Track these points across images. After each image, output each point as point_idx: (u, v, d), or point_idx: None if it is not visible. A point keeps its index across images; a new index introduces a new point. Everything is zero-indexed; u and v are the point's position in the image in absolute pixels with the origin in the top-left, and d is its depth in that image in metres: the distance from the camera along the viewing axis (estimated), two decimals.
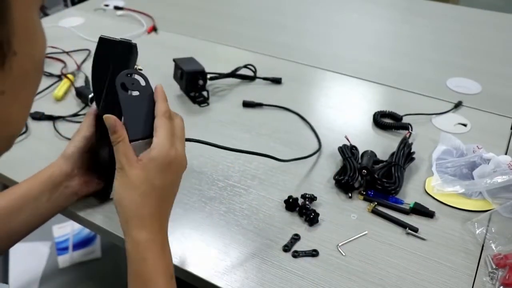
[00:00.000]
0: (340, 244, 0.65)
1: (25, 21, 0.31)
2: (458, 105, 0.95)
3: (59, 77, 1.03)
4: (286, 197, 0.71)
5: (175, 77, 0.98)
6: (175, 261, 0.63)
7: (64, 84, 1.00)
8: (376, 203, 0.71)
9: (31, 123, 0.89)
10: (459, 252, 0.64)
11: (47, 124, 0.89)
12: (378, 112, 0.91)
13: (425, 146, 0.83)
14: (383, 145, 0.84)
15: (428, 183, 0.75)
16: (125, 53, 0.59)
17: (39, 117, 0.90)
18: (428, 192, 0.74)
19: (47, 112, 0.91)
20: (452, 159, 0.78)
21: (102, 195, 0.70)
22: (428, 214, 0.69)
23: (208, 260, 0.63)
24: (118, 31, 1.26)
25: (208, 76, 0.97)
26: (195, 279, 0.62)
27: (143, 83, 0.58)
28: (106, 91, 0.59)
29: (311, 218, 0.67)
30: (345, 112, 0.95)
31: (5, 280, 1.38)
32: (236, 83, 1.04)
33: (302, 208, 0.69)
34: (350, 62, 1.14)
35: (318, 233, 0.67)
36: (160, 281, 0.51)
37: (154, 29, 1.27)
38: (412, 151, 0.79)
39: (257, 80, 1.04)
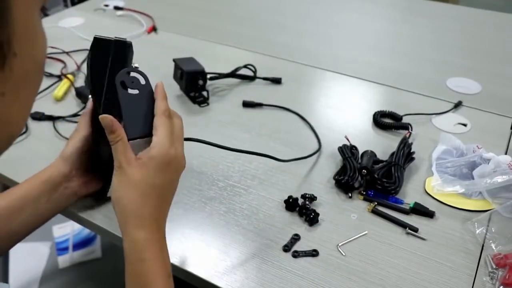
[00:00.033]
0: (340, 244, 0.65)
1: (25, 22, 0.31)
2: (458, 105, 0.95)
3: (59, 77, 1.03)
4: (286, 197, 0.71)
5: (175, 77, 0.98)
6: (175, 261, 0.63)
7: (64, 84, 1.00)
8: (376, 203, 0.71)
9: (31, 123, 0.89)
10: (459, 252, 0.64)
11: (47, 124, 0.89)
12: (378, 112, 0.91)
13: (425, 146, 0.83)
14: (383, 145, 0.84)
15: (428, 183, 0.75)
16: (122, 52, 0.59)
17: (39, 117, 0.90)
18: (428, 192, 0.74)
19: (47, 112, 0.91)
20: (452, 159, 0.78)
21: (101, 195, 0.70)
22: (428, 214, 0.69)
23: (208, 260, 0.63)
24: (118, 31, 1.26)
25: (208, 76, 0.97)
26: (195, 279, 0.62)
27: (143, 81, 0.58)
28: (106, 90, 0.59)
29: (311, 218, 0.67)
30: (345, 112, 0.95)
31: (5, 280, 1.37)
32: (236, 83, 1.04)
33: (302, 208, 0.69)
34: (350, 62, 1.14)
35: (318, 233, 0.67)
36: (159, 281, 0.51)
37: (154, 29, 1.27)
38: (412, 151, 0.79)
39: (257, 80, 1.04)
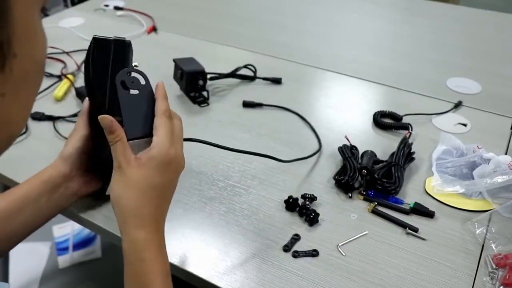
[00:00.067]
0: (340, 244, 0.65)
1: (25, 23, 0.31)
2: (458, 105, 0.95)
3: (59, 78, 1.03)
4: (286, 197, 0.71)
5: (175, 77, 0.98)
6: (175, 261, 0.63)
7: (64, 84, 1.00)
8: (376, 203, 0.71)
9: (31, 123, 0.89)
10: (459, 252, 0.64)
11: (47, 124, 0.89)
12: (378, 112, 0.91)
13: (425, 146, 0.83)
14: (383, 145, 0.84)
15: (428, 183, 0.75)
16: (122, 51, 0.59)
17: (39, 117, 0.90)
18: (428, 192, 0.74)
19: (47, 113, 0.91)
20: (452, 159, 0.78)
21: (100, 194, 0.70)
22: (428, 214, 0.69)
23: (208, 260, 0.63)
24: (118, 31, 1.26)
25: (208, 76, 0.97)
26: (195, 279, 0.62)
27: (143, 81, 0.58)
28: (109, 90, 0.58)
29: (311, 218, 0.67)
30: (345, 112, 0.95)
31: (5, 280, 1.37)
32: (236, 83, 1.04)
33: (302, 208, 0.69)
34: (350, 62, 1.14)
35: (318, 233, 0.67)
36: (159, 281, 0.51)
37: (154, 29, 1.27)
38: (412, 151, 0.79)
39: (257, 80, 1.04)
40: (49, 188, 0.63)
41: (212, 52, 1.17)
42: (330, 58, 1.15)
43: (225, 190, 0.74)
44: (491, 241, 0.64)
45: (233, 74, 1.03)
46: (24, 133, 0.86)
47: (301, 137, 0.87)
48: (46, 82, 1.01)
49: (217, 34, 1.25)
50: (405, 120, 0.90)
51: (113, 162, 0.54)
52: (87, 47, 0.60)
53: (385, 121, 0.89)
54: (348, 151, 0.78)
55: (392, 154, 0.78)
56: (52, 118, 0.90)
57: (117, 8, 1.39)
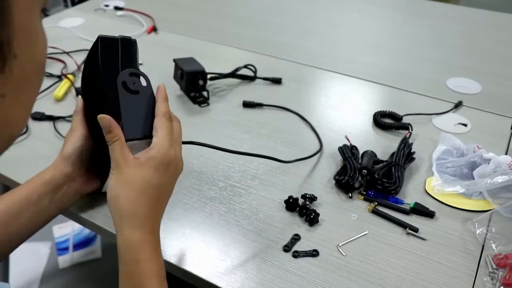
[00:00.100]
0: (340, 244, 0.65)
1: (26, 24, 0.31)
2: (458, 105, 0.95)
3: (59, 78, 1.03)
4: (286, 197, 0.71)
5: (175, 77, 0.98)
6: (175, 261, 0.63)
7: (64, 84, 1.00)
8: (376, 203, 0.71)
9: (32, 123, 0.89)
10: (459, 252, 0.64)
11: (48, 124, 0.89)
12: (378, 112, 0.91)
13: (425, 146, 0.83)
14: (383, 145, 0.84)
15: (428, 183, 0.75)
16: (129, 49, 0.59)
17: (40, 117, 0.90)
18: (428, 192, 0.74)
19: (47, 112, 0.91)
20: (452, 159, 0.78)
21: (101, 192, 0.70)
22: (428, 214, 0.69)
23: (208, 260, 0.63)
24: (118, 31, 1.25)
25: (208, 76, 0.97)
26: (195, 279, 0.62)
27: (144, 83, 0.58)
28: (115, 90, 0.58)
29: (311, 218, 0.67)
30: (345, 112, 0.95)
31: (5, 280, 1.37)
32: (236, 83, 1.04)
33: (303, 208, 0.69)
34: (350, 62, 1.14)
35: (318, 233, 0.67)
36: (154, 282, 0.51)
37: (154, 29, 1.28)
38: (412, 151, 0.79)
39: (257, 80, 1.04)
40: (51, 189, 0.62)
41: (212, 52, 1.17)
42: (330, 58, 1.15)
43: (225, 190, 0.74)
44: (491, 241, 0.64)
45: (233, 74, 1.03)
46: (24, 133, 0.86)
47: (301, 137, 0.87)
48: (46, 82, 1.01)
49: (217, 34, 1.25)
50: (405, 120, 0.90)
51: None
52: (87, 47, 0.60)
53: (385, 121, 0.89)
54: (348, 151, 0.78)
55: (392, 154, 0.78)
56: (52, 118, 0.90)
57: (117, 8, 1.39)
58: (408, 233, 0.67)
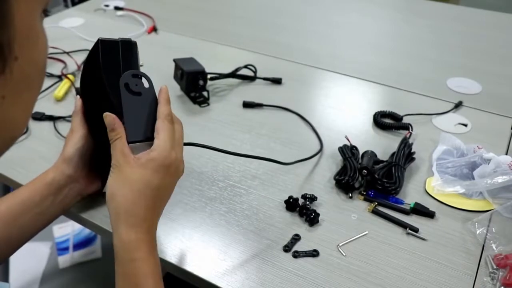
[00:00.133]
0: (340, 244, 0.65)
1: (27, 26, 0.31)
2: (458, 105, 0.95)
3: (60, 78, 1.03)
4: (286, 197, 0.71)
5: (175, 77, 0.98)
6: (175, 261, 0.63)
7: (64, 84, 1.00)
8: (376, 203, 0.71)
9: (32, 123, 0.89)
10: (459, 252, 0.64)
11: (48, 125, 0.89)
12: (378, 112, 0.91)
13: (426, 146, 0.83)
14: (383, 145, 0.84)
15: (428, 183, 0.75)
16: (130, 51, 0.59)
17: (40, 117, 0.90)
18: (429, 192, 0.74)
19: (47, 112, 0.91)
20: (452, 159, 0.78)
21: (101, 192, 0.70)
22: (428, 214, 0.69)
23: (208, 260, 0.63)
24: (118, 31, 1.26)
25: (208, 76, 0.97)
26: (195, 279, 0.62)
27: (146, 84, 0.58)
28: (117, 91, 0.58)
29: (312, 218, 0.67)
30: (345, 112, 0.95)
31: (6, 280, 1.37)
32: (236, 83, 1.04)
33: (303, 208, 0.69)
34: (350, 62, 1.14)
35: (318, 233, 0.67)
36: (150, 282, 0.51)
37: (154, 29, 1.28)
38: (412, 151, 0.79)
39: (257, 80, 1.04)
40: (53, 190, 0.62)
41: (212, 52, 1.17)
42: (330, 58, 1.15)
43: (226, 190, 0.74)
44: (491, 241, 0.64)
45: (233, 74, 1.03)
46: (24, 133, 0.86)
47: (301, 137, 0.87)
48: (46, 82, 1.01)
49: (217, 34, 1.26)
50: (405, 120, 0.90)
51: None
52: (87, 47, 0.60)
53: (385, 121, 0.89)
54: (348, 151, 0.78)
55: (393, 154, 0.78)
56: (52, 118, 0.90)
57: (117, 8, 1.39)
58: (408, 233, 0.67)
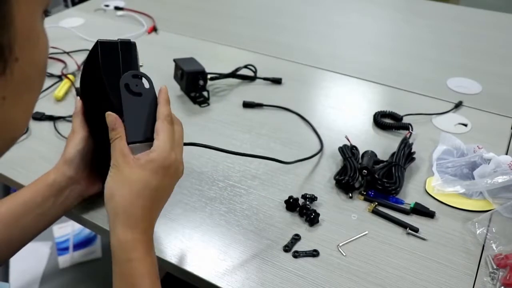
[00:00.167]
0: (340, 244, 0.65)
1: (27, 27, 0.31)
2: (458, 105, 0.95)
3: (60, 78, 1.03)
4: (286, 197, 0.71)
5: (175, 77, 0.98)
6: (175, 261, 0.63)
7: (64, 84, 1.00)
8: (376, 203, 0.71)
9: (32, 124, 0.89)
10: (459, 252, 0.64)
11: (48, 125, 0.89)
12: (378, 112, 0.91)
13: (426, 146, 0.83)
14: (383, 145, 0.84)
15: (428, 183, 0.75)
16: (129, 52, 0.59)
17: (40, 117, 0.90)
18: (429, 192, 0.74)
19: (47, 112, 0.91)
20: (452, 159, 0.78)
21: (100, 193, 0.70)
22: (428, 214, 0.69)
23: (208, 260, 0.63)
24: (118, 31, 1.26)
25: (209, 76, 0.97)
26: (195, 279, 0.62)
27: (147, 85, 0.58)
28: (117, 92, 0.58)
29: (312, 218, 0.67)
30: (345, 112, 0.95)
31: (6, 280, 1.37)
32: (236, 83, 1.04)
33: (303, 208, 0.69)
34: (350, 62, 1.14)
35: (318, 233, 0.67)
36: (146, 282, 0.51)
37: (154, 29, 1.28)
38: (412, 151, 0.79)
39: (257, 80, 1.04)
40: (54, 192, 0.62)
41: (212, 52, 1.17)
42: (330, 58, 1.15)
43: (226, 190, 0.74)
44: (491, 241, 0.64)
45: (233, 74, 1.03)
46: (24, 133, 0.86)
47: (301, 137, 0.87)
48: (46, 82, 1.01)
49: (217, 34, 1.26)
50: (406, 120, 0.90)
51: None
52: (87, 47, 0.60)
53: (386, 121, 0.89)
54: (348, 151, 0.78)
55: (393, 154, 0.78)
56: (52, 118, 0.90)
57: (117, 8, 1.39)
58: (408, 233, 0.67)
